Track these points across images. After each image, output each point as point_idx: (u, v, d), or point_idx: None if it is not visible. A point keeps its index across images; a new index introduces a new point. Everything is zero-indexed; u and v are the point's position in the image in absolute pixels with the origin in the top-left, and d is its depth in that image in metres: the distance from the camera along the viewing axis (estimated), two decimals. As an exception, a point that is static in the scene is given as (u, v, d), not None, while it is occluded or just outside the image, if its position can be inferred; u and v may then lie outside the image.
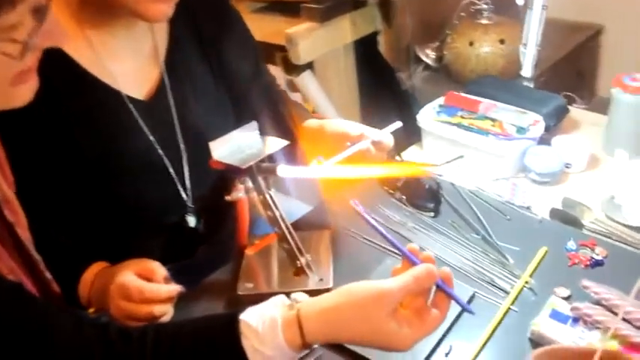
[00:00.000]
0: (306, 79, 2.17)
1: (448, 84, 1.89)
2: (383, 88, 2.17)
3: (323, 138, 1.03)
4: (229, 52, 1.09)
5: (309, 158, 0.87)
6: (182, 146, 1.02)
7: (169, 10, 0.91)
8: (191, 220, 1.06)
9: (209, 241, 1.11)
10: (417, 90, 2.07)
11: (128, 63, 0.99)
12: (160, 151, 1.00)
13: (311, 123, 1.10)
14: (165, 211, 1.04)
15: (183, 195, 1.04)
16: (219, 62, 1.08)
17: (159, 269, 0.89)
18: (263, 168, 0.90)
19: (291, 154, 1.04)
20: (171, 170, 1.02)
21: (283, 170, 0.86)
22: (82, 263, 0.94)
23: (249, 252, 1.02)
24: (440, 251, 1.05)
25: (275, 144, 0.94)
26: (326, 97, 2.20)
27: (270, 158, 0.91)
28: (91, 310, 0.92)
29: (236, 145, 0.93)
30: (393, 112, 2.02)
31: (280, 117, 1.13)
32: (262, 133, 0.95)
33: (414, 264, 0.71)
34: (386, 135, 0.99)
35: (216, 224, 1.11)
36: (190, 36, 1.05)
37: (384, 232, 0.77)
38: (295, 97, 2.04)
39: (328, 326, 0.67)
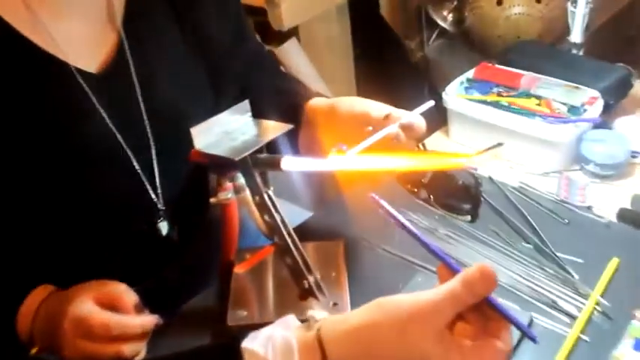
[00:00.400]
0: (289, 50, 2.18)
1: (470, 55, 1.90)
2: (386, 61, 2.15)
3: (335, 121, 1.01)
4: (205, 10, 1.08)
5: (324, 147, 0.88)
6: (150, 132, 1.01)
7: None
8: (163, 228, 1.05)
9: (187, 256, 1.11)
10: (431, 63, 2.07)
11: (75, 26, 0.96)
12: (121, 139, 0.98)
13: (318, 102, 1.07)
14: (130, 216, 1.02)
15: (152, 195, 1.03)
16: (192, 25, 1.07)
17: (127, 294, 0.87)
18: (261, 160, 0.87)
19: (295, 142, 1.04)
20: (135, 163, 1.00)
21: (289, 163, 0.83)
22: (22, 287, 0.91)
23: (239, 270, 1.00)
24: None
25: (275, 129, 0.91)
26: (314, 72, 2.23)
27: (270, 147, 0.89)
28: (34, 350, 0.89)
29: (224, 132, 0.91)
30: (399, 90, 2.01)
31: (279, 93, 1.12)
32: (256, 114, 0.94)
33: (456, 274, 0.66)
34: (417, 117, 0.96)
35: (196, 233, 1.12)
36: None
37: (415, 231, 0.72)
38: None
39: (356, 349, 0.65)
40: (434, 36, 2.12)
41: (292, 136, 1.01)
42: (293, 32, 2.18)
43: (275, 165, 0.84)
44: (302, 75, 2.18)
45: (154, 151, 1.02)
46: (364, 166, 0.82)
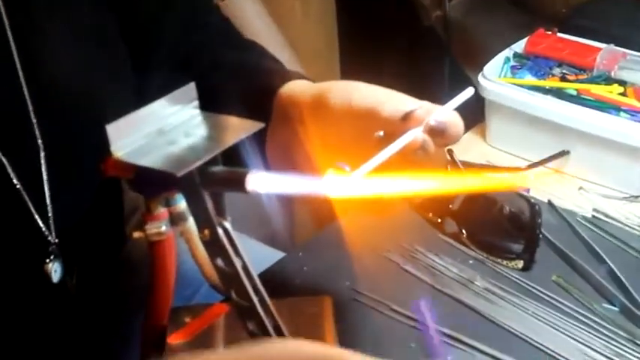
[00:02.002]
0: (241, 3, 2.26)
1: (514, 16, 1.94)
2: (386, 22, 2.16)
3: (326, 122, 1.01)
4: None
5: (318, 165, 0.91)
6: (37, 131, 1.02)
7: None
8: (54, 271, 1.07)
9: (89, 315, 1.12)
10: (454, 26, 2.09)
11: None
12: None
13: (297, 90, 1.08)
14: (7, 254, 1.04)
15: (40, 223, 1.05)
16: None
17: None
18: (216, 177, 0.87)
19: (263, 148, 1.06)
20: (14, 178, 1.01)
21: (258, 182, 0.83)
22: None
23: (174, 340, 1.00)
24: (540, 335, 1.07)
25: (236, 129, 0.91)
26: (278, 36, 2.33)
27: (229, 157, 0.88)
28: None
29: (158, 131, 0.90)
30: (406, 67, 2.03)
31: (237, 71, 1.14)
32: (210, 106, 0.93)
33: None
34: (452, 115, 0.97)
35: (104, 281, 1.15)
36: None
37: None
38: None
39: None
40: None
41: (260, 140, 1.04)
42: None
43: (237, 184, 0.84)
44: (259, 39, 2.23)
45: (43, 159, 1.03)
46: (373, 191, 0.84)
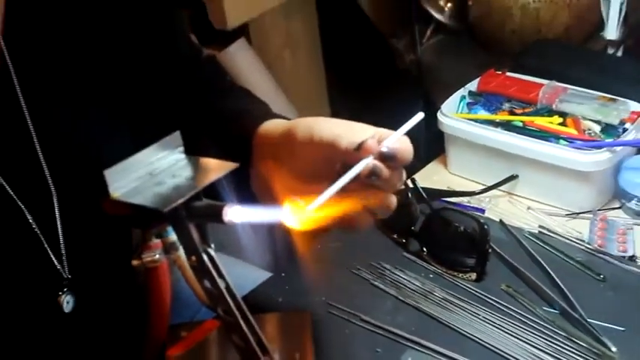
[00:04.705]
0: (237, 54, 2.24)
1: (476, 57, 1.96)
2: (367, 67, 2.19)
3: (292, 153, 1.01)
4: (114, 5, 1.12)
5: (276, 197, 0.92)
6: (49, 178, 1.04)
7: None
8: (67, 302, 1.08)
9: (97, 337, 1.13)
10: (425, 68, 2.10)
11: None
12: (10, 191, 1.01)
13: (270, 127, 1.08)
14: (27, 290, 1.05)
15: (55, 261, 1.06)
16: (99, 25, 1.10)
17: None
18: (198, 210, 0.90)
19: (247, 183, 1.06)
20: (31, 220, 1.03)
21: (234, 213, 0.87)
22: None
23: (172, 353, 1.02)
24: (491, 337, 1.07)
25: (216, 169, 0.93)
26: (272, 82, 2.28)
27: (211, 193, 0.91)
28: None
29: (148, 173, 0.93)
30: (384, 106, 2.04)
31: (222, 115, 1.15)
32: (193, 149, 0.95)
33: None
34: (401, 141, 0.94)
35: (109, 307, 1.14)
36: None
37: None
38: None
39: None
40: (428, 33, 2.16)
41: (243, 176, 1.04)
42: (241, 30, 2.21)
43: (216, 216, 0.87)
44: (254, 87, 2.21)
45: (56, 203, 1.05)
46: (326, 221, 0.87)
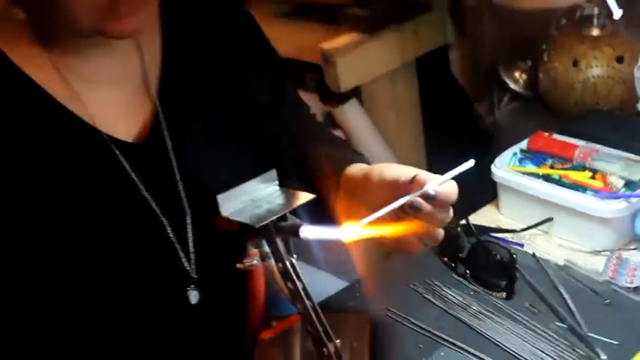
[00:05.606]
0: (349, 112, 2.36)
1: (545, 121, 1.99)
2: (456, 126, 2.31)
3: (367, 190, 1.10)
4: (242, 71, 1.26)
5: (346, 219, 0.98)
6: (185, 201, 1.18)
7: (139, 22, 1.03)
8: (193, 296, 1.21)
9: (213, 323, 1.25)
10: (502, 129, 2.17)
11: (109, 95, 1.13)
12: (157, 209, 1.15)
13: (355, 169, 1.18)
14: (161, 285, 1.18)
15: (186, 264, 1.20)
16: (229, 87, 1.24)
17: None
18: (282, 227, 1.04)
19: (327, 211, 1.13)
20: (170, 233, 1.17)
21: (308, 231, 1.01)
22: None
23: (264, 337, 1.16)
24: (510, 342, 1.19)
25: (299, 198, 1.07)
26: (378, 137, 2.39)
27: (296, 216, 1.03)
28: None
29: (250, 199, 1.07)
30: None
31: (311, 159, 1.26)
32: (286, 181, 1.08)
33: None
34: (447, 184, 1.01)
35: (224, 300, 1.24)
36: (190, 53, 1.21)
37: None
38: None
39: None
40: (505, 100, 2.23)
41: (323, 205, 1.11)
42: (354, 92, 2.29)
43: (295, 232, 1.02)
44: (362, 139, 2.31)
45: (189, 221, 1.18)
46: (372, 234, 0.99)
